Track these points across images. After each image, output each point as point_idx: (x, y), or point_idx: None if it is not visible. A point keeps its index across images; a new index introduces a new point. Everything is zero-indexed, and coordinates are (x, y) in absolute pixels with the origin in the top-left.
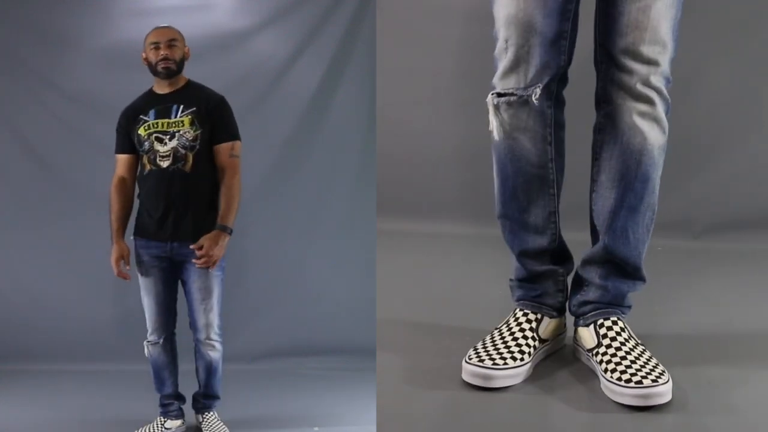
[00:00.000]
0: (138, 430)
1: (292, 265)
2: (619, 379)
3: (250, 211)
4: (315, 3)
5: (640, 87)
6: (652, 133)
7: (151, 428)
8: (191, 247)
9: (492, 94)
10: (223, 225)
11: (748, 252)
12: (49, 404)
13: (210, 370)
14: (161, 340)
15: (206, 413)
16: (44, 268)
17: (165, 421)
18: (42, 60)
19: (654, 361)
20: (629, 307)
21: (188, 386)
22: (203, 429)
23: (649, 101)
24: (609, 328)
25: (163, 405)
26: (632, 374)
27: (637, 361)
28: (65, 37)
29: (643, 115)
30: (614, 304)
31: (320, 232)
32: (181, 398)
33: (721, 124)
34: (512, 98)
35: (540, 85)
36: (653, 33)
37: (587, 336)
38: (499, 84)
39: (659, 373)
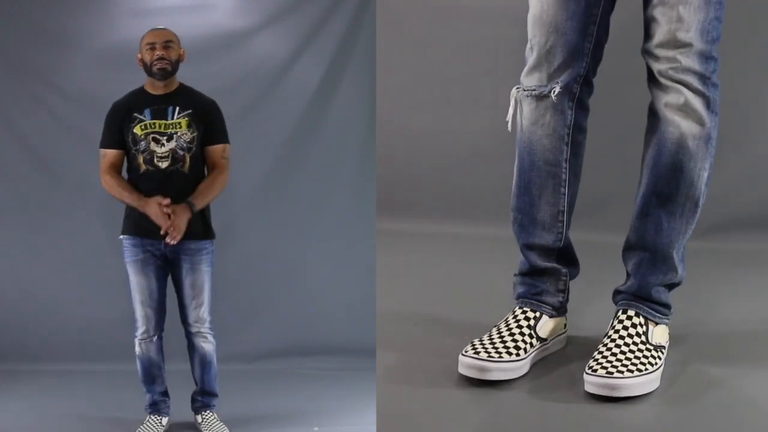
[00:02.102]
0: (138, 429)
1: (292, 265)
2: (589, 366)
3: (250, 211)
4: (315, 3)
5: (663, 79)
6: (684, 124)
7: (151, 428)
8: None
9: (516, 87)
10: (191, 201)
11: (752, 252)
12: (49, 404)
13: (204, 363)
14: (155, 337)
15: (205, 412)
16: (44, 268)
17: (161, 419)
18: (42, 60)
19: (648, 363)
20: (664, 306)
21: (186, 387)
22: (202, 429)
23: (676, 92)
24: (620, 321)
25: (154, 403)
26: (603, 365)
27: (623, 355)
28: (65, 37)
29: (670, 106)
30: (640, 297)
31: (320, 232)
32: (168, 395)
33: (723, 124)
34: (533, 92)
35: (559, 82)
36: (674, 24)
37: None
38: (524, 81)
39: (637, 368)
